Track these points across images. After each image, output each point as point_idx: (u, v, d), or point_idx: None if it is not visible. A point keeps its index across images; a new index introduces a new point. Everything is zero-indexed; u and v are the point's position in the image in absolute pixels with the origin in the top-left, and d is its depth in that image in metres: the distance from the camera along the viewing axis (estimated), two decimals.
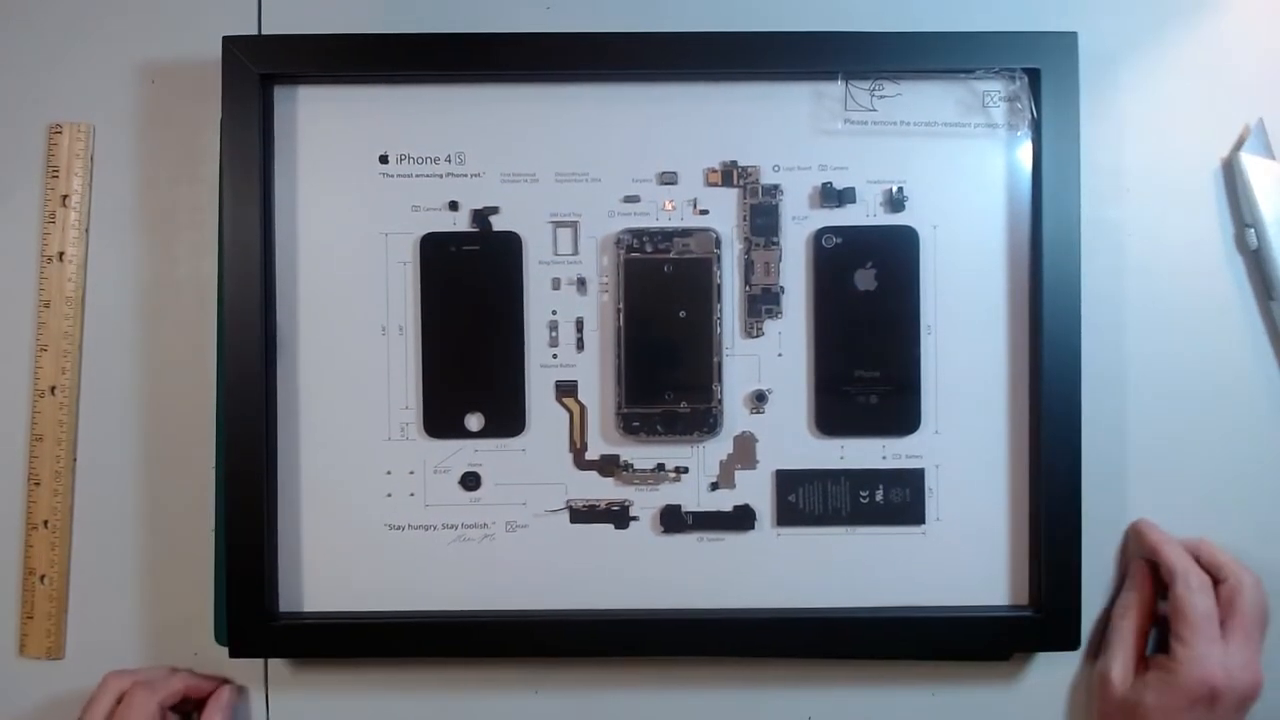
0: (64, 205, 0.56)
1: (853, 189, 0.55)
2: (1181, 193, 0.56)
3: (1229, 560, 0.53)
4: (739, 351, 0.55)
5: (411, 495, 0.55)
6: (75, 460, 0.57)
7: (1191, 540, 0.54)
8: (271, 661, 0.57)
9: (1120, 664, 0.54)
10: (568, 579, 0.55)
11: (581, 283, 0.55)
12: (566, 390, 0.55)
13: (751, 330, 0.55)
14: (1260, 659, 0.52)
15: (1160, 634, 0.55)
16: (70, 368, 0.56)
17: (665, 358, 0.54)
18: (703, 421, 0.54)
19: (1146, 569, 0.55)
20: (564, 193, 0.55)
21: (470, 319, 0.55)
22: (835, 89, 0.55)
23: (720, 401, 0.55)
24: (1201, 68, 0.56)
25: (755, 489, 0.55)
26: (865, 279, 0.55)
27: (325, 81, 0.55)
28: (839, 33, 0.54)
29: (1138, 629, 0.54)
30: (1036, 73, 0.53)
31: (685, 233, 0.54)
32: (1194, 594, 0.52)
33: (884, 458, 0.55)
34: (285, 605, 0.55)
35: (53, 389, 0.56)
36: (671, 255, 0.54)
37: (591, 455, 0.55)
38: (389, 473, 0.55)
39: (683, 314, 0.54)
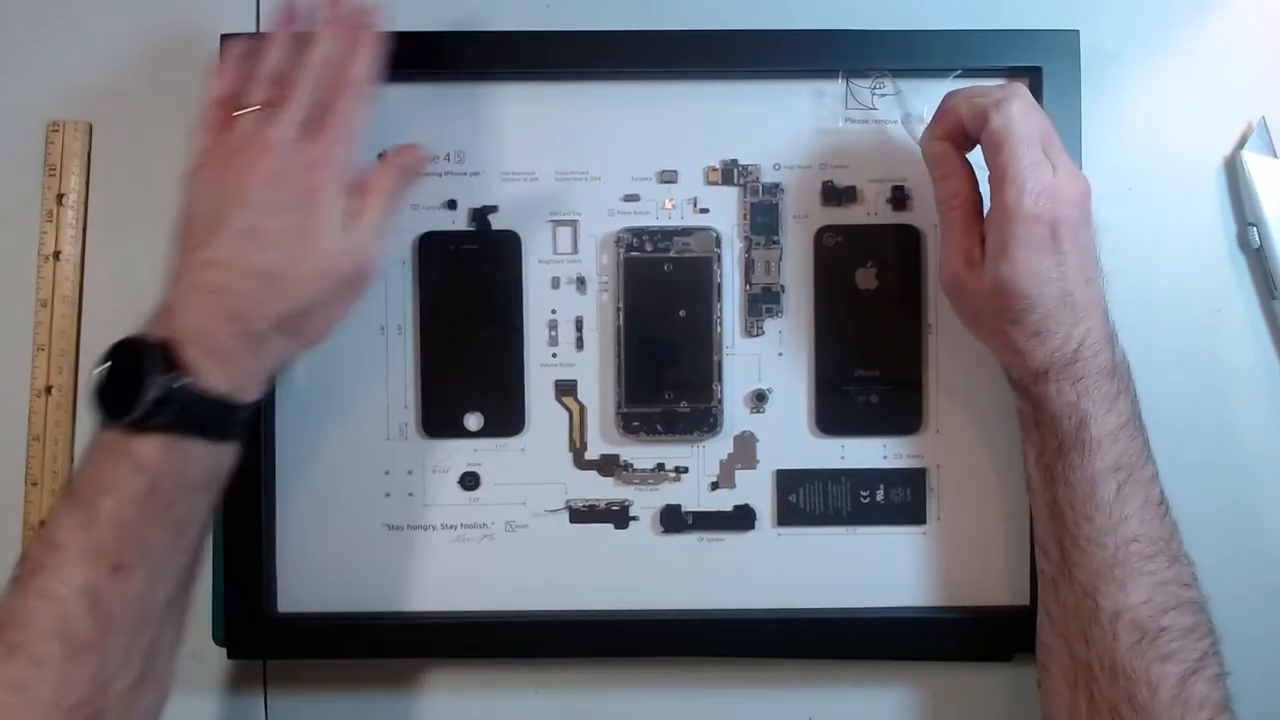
0: (61, 204, 0.56)
1: (854, 188, 0.55)
2: (1183, 191, 0.56)
3: (987, 91, 0.48)
4: (739, 351, 0.55)
5: (410, 495, 0.55)
6: (73, 460, 0.57)
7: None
8: (270, 662, 0.57)
9: (960, 248, 0.48)
10: (567, 579, 0.55)
11: (581, 282, 0.55)
12: (566, 390, 0.55)
13: (752, 329, 0.55)
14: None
15: None
16: (68, 367, 0.56)
17: (665, 357, 0.54)
18: (703, 421, 0.54)
19: (949, 147, 0.49)
20: (563, 191, 0.55)
21: (469, 318, 0.55)
22: (836, 87, 0.55)
23: (720, 401, 0.54)
24: (1204, 66, 0.56)
25: (755, 489, 0.55)
26: (866, 278, 0.55)
27: None
28: (840, 31, 0.54)
29: (968, 208, 0.49)
30: (1038, 71, 0.53)
31: (685, 231, 0.54)
32: (1007, 113, 0.46)
33: (885, 457, 0.55)
34: (283, 605, 0.55)
35: (50, 389, 0.56)
36: (671, 254, 0.54)
37: (591, 455, 0.55)
38: (387, 473, 0.55)
39: (683, 313, 0.54)
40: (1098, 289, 0.48)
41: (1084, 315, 0.47)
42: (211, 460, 0.45)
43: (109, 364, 0.44)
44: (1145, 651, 0.45)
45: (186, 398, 0.43)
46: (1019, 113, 0.46)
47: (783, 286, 0.55)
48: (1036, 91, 0.53)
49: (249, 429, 0.47)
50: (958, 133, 0.49)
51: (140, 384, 0.42)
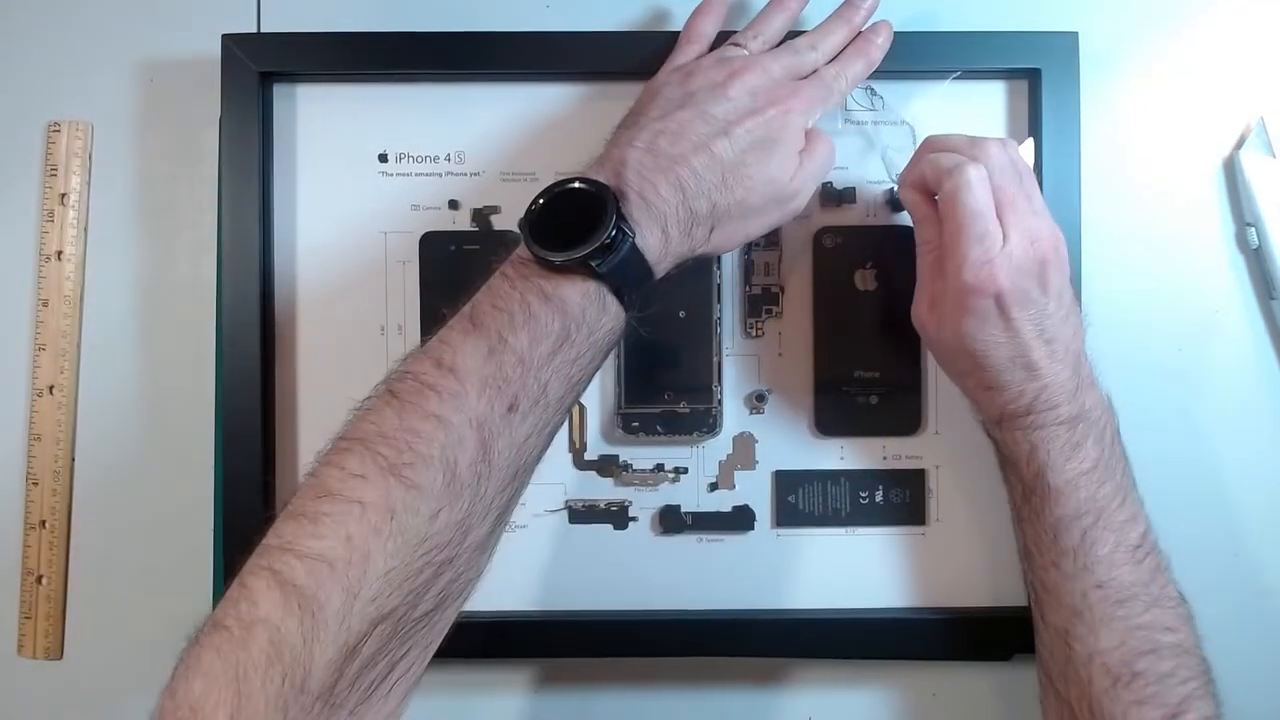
0: (62, 204, 0.56)
1: (853, 189, 0.55)
2: (1182, 192, 0.56)
3: (956, 147, 0.48)
4: (739, 351, 0.55)
5: None
6: (74, 460, 0.57)
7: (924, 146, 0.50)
8: None
9: (925, 297, 0.48)
10: (567, 579, 0.55)
11: None
12: None
13: (751, 330, 0.55)
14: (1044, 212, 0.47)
15: None
16: (69, 367, 0.56)
17: (665, 358, 0.54)
18: (702, 422, 0.54)
19: (919, 196, 0.49)
20: None
21: None
22: None
23: (720, 402, 0.54)
24: (1202, 67, 0.56)
25: (755, 489, 0.55)
26: (865, 279, 0.55)
27: (325, 80, 0.55)
28: None
29: (931, 263, 0.49)
30: (1037, 73, 0.53)
31: None
32: (959, 185, 0.45)
33: (884, 458, 0.55)
34: None
35: (51, 388, 0.56)
36: None
37: (591, 455, 0.55)
38: None
39: (682, 314, 0.54)
40: (1064, 344, 0.47)
41: (1040, 373, 0.46)
42: (611, 324, 0.44)
43: (541, 201, 0.43)
44: (1120, 696, 0.45)
45: (628, 250, 0.42)
46: (972, 180, 0.45)
47: (782, 287, 0.55)
48: (1035, 93, 0.53)
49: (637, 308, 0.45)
50: (927, 183, 0.48)
51: (593, 223, 0.41)
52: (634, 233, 0.42)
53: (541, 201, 0.43)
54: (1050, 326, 0.46)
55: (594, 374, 0.45)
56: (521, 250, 0.43)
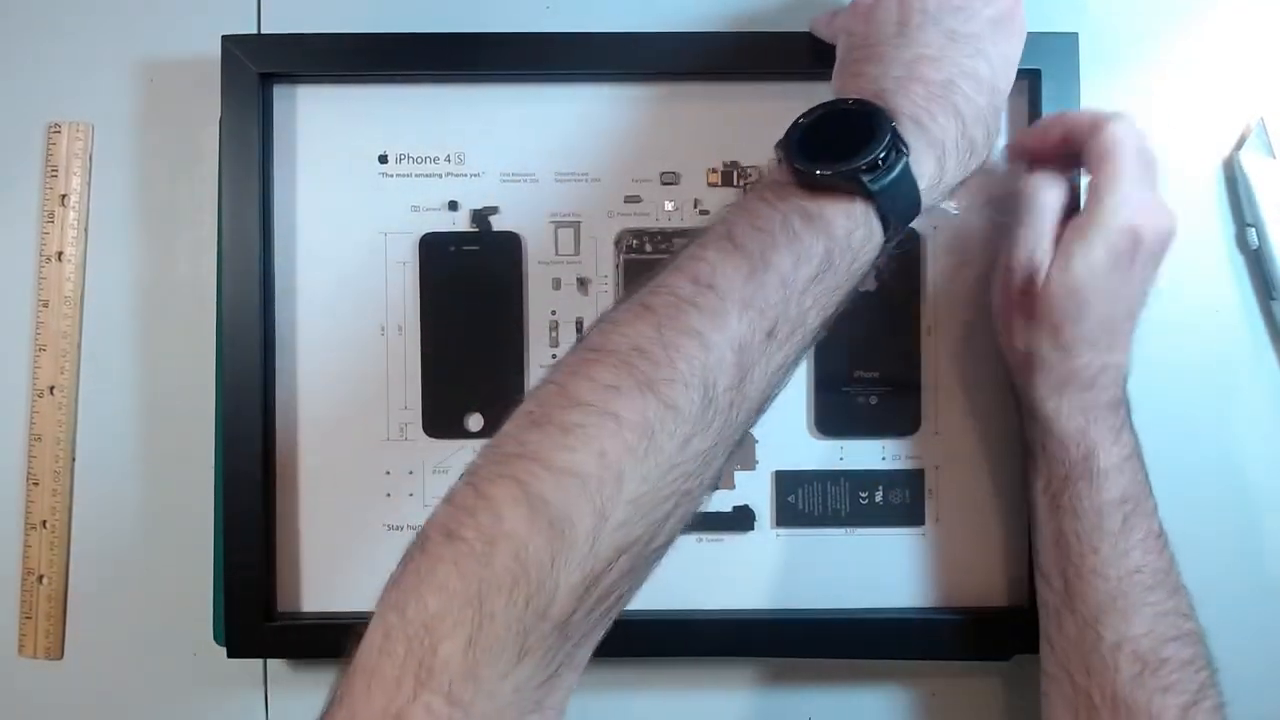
0: (63, 204, 0.56)
1: None
2: (1182, 192, 0.56)
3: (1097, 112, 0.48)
4: None
5: (410, 495, 0.55)
6: (74, 460, 0.57)
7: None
8: (270, 661, 0.57)
9: (1033, 245, 0.47)
10: None
11: (582, 283, 0.55)
12: None
13: None
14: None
15: None
16: (69, 367, 0.56)
17: None
18: None
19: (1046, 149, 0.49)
20: (564, 193, 0.55)
21: (470, 319, 0.55)
22: None
23: None
24: (1202, 67, 0.56)
25: (755, 489, 0.55)
26: (865, 279, 0.55)
27: (325, 81, 0.55)
28: None
29: (1058, 192, 0.48)
30: (1037, 73, 0.53)
31: (685, 233, 0.54)
32: (1119, 124, 0.46)
33: (884, 459, 0.55)
34: (284, 605, 0.55)
35: (51, 389, 0.56)
36: (671, 256, 0.54)
37: None
38: (388, 473, 0.55)
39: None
40: (1133, 331, 0.48)
41: (1114, 347, 0.47)
42: (871, 253, 0.40)
43: (804, 121, 0.41)
44: (1146, 683, 0.45)
45: (901, 170, 0.39)
46: (1135, 129, 0.46)
47: None
48: (1035, 94, 0.53)
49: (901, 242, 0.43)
50: (1052, 147, 0.49)
51: (862, 144, 0.38)
52: (908, 151, 0.39)
53: (804, 122, 0.41)
54: (1138, 303, 0.47)
55: (844, 306, 0.41)
56: (778, 173, 0.41)
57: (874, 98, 0.42)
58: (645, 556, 0.37)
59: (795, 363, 0.40)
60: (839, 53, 0.48)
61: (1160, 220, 0.46)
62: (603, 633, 0.37)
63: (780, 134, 0.53)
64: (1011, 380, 0.51)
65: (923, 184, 0.41)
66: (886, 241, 0.41)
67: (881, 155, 0.39)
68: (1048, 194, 0.48)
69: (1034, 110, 0.54)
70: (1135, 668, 0.46)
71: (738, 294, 0.37)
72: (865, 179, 0.38)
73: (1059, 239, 0.47)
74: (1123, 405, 0.48)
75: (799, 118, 0.41)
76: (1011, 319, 0.49)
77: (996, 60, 0.44)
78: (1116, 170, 0.45)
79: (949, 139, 0.42)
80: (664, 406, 0.35)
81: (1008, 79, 0.45)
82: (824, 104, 0.42)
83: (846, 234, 0.39)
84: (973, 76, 0.43)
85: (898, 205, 0.40)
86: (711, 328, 0.36)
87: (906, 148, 0.40)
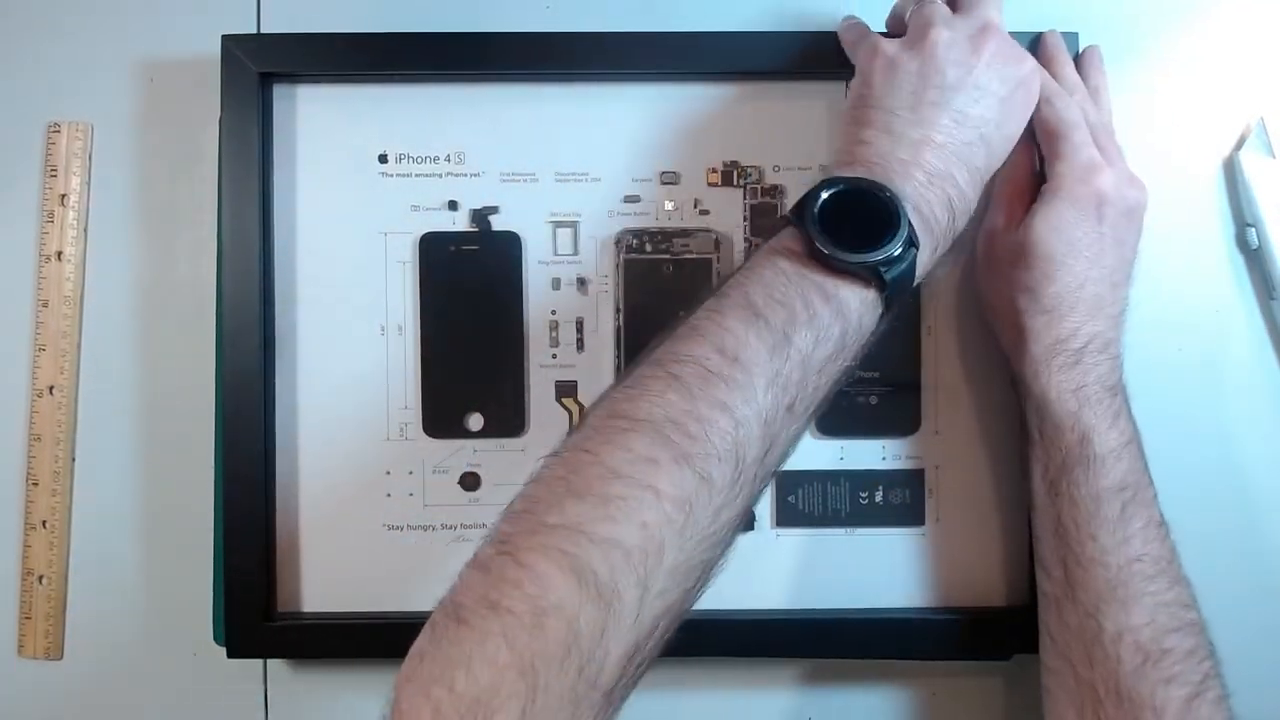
0: (62, 204, 0.56)
1: None
2: (1182, 192, 0.56)
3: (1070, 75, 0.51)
4: None
5: (410, 495, 0.55)
6: (74, 460, 0.57)
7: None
8: (270, 662, 0.57)
9: (1005, 211, 0.49)
10: None
11: (582, 283, 0.55)
12: (566, 391, 0.55)
13: None
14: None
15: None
16: (69, 367, 0.56)
17: None
18: None
19: None
20: (564, 192, 0.55)
21: (470, 319, 0.55)
22: (836, 89, 0.55)
23: None
24: (1202, 67, 0.56)
25: None
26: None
27: (324, 80, 0.55)
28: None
29: (1023, 181, 0.50)
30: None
31: (685, 233, 0.54)
32: (1059, 103, 0.48)
33: (884, 458, 0.55)
34: (283, 605, 0.55)
35: (51, 389, 0.56)
36: (671, 256, 0.54)
37: None
38: (388, 473, 0.55)
39: (683, 314, 0.54)
40: (1119, 305, 0.48)
41: (1098, 315, 0.47)
42: (870, 334, 0.42)
43: (825, 195, 0.41)
44: (1148, 674, 0.45)
45: (909, 261, 0.41)
46: (1068, 105, 0.49)
47: None
48: None
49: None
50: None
51: (878, 226, 0.40)
52: (919, 246, 0.42)
53: (825, 195, 0.42)
54: (1119, 273, 0.48)
55: (845, 382, 0.43)
56: (791, 241, 0.42)
57: (881, 177, 0.43)
58: (676, 621, 0.38)
59: (804, 433, 0.42)
60: (850, 96, 0.49)
61: (1124, 185, 0.48)
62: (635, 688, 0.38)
63: (780, 135, 0.53)
64: (1009, 367, 0.51)
65: (919, 270, 0.43)
66: (882, 323, 0.43)
67: (899, 251, 0.41)
68: (1017, 155, 0.49)
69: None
70: (1137, 659, 0.45)
71: (763, 369, 0.38)
72: (882, 270, 0.41)
73: (1028, 205, 0.49)
74: (1119, 392, 0.48)
75: (818, 188, 0.42)
76: (990, 285, 0.50)
77: (997, 144, 0.46)
78: (1060, 141, 0.48)
79: (941, 231, 0.44)
80: (700, 479, 0.36)
81: (1003, 158, 0.47)
82: (842, 179, 0.43)
83: (859, 318, 0.41)
84: (969, 167, 0.45)
85: (900, 292, 0.42)
86: (741, 402, 0.38)
87: (918, 242, 0.42)
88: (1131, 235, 0.48)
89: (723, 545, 0.39)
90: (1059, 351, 0.47)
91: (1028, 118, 0.48)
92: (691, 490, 0.36)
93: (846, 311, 0.41)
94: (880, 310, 0.42)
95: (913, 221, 0.42)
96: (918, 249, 0.42)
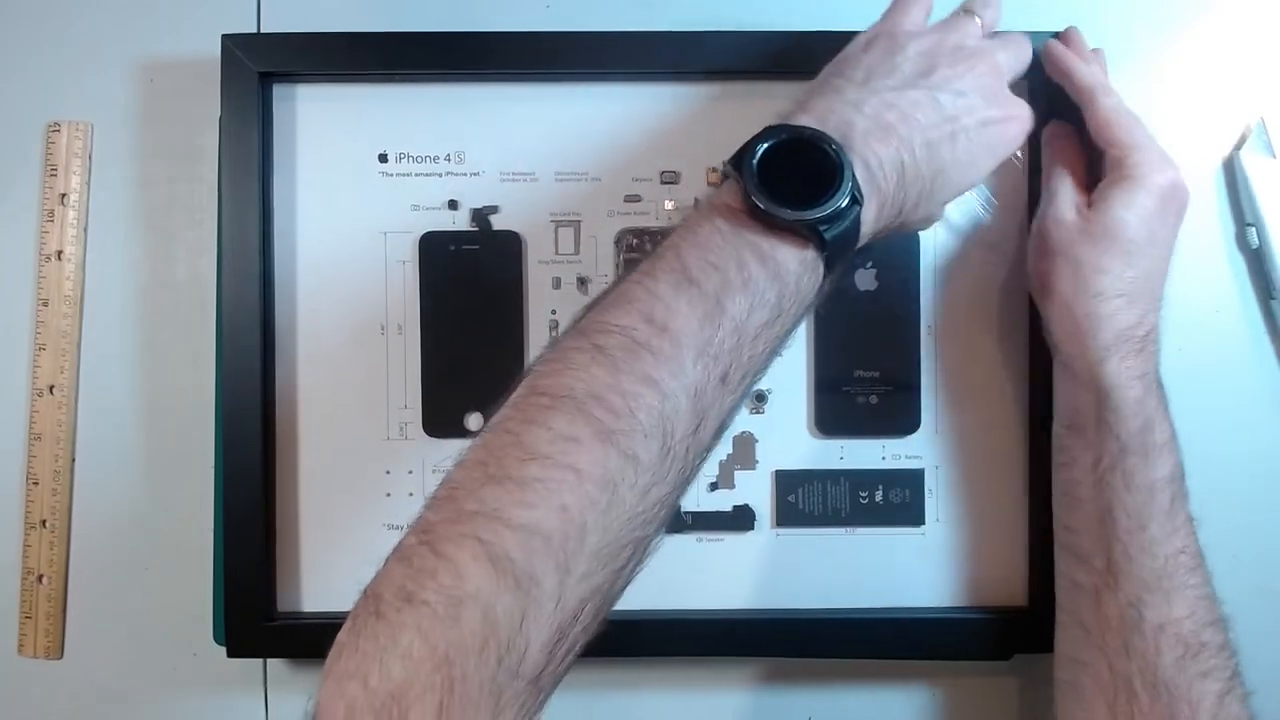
0: (62, 204, 0.56)
1: None
2: None
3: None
4: None
5: (410, 495, 0.55)
6: (74, 460, 0.57)
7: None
8: (270, 661, 0.57)
9: (1070, 200, 0.48)
10: None
11: (582, 282, 0.55)
12: None
13: None
14: None
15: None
16: (69, 367, 0.56)
17: None
18: None
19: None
20: (564, 192, 0.55)
21: (470, 319, 0.55)
22: None
23: None
24: (1202, 67, 0.56)
25: (755, 489, 0.55)
26: (865, 279, 0.55)
27: (324, 80, 0.55)
28: (839, 32, 0.53)
29: (1082, 173, 0.50)
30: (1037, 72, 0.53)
31: None
32: (1118, 100, 0.49)
33: (883, 458, 0.55)
34: (283, 605, 0.55)
35: (51, 388, 0.56)
36: None
37: None
38: (388, 472, 0.55)
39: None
40: (1163, 300, 0.49)
41: (1157, 306, 0.48)
42: (811, 299, 0.40)
43: (765, 145, 0.39)
44: (1187, 668, 0.45)
45: (854, 218, 0.39)
46: (1117, 101, 0.50)
47: None
48: (1035, 93, 0.53)
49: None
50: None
51: (821, 180, 0.38)
52: (863, 202, 0.39)
53: (765, 146, 0.39)
54: (1166, 264, 0.49)
55: (778, 353, 0.41)
56: (730, 196, 0.40)
57: (837, 129, 0.41)
58: (607, 601, 0.37)
59: (741, 404, 0.40)
60: (849, 47, 0.47)
61: (1185, 183, 0.49)
62: (567, 673, 0.37)
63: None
64: (1059, 357, 0.50)
65: (864, 229, 0.40)
66: (826, 284, 0.41)
67: (844, 204, 0.38)
68: (1058, 162, 0.50)
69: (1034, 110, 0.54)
70: (1178, 650, 0.45)
71: (693, 339, 0.37)
72: (822, 229, 0.38)
73: (1090, 193, 0.49)
74: (1162, 388, 0.48)
75: (757, 137, 0.40)
76: (1062, 277, 0.48)
77: (963, 153, 0.43)
78: (1125, 133, 0.48)
79: (888, 190, 0.41)
80: (624, 458, 0.35)
81: (963, 180, 0.44)
82: (781, 127, 0.40)
83: (797, 279, 0.39)
84: (930, 146, 0.42)
85: (842, 252, 0.40)
86: (668, 375, 0.36)
87: (862, 198, 0.39)
88: (1177, 232, 0.49)
89: (655, 523, 0.37)
90: (1127, 338, 0.47)
91: (999, 159, 0.45)
92: (615, 469, 0.35)
93: (784, 274, 0.38)
94: (822, 270, 0.40)
95: (858, 176, 0.39)
96: (861, 206, 0.39)
